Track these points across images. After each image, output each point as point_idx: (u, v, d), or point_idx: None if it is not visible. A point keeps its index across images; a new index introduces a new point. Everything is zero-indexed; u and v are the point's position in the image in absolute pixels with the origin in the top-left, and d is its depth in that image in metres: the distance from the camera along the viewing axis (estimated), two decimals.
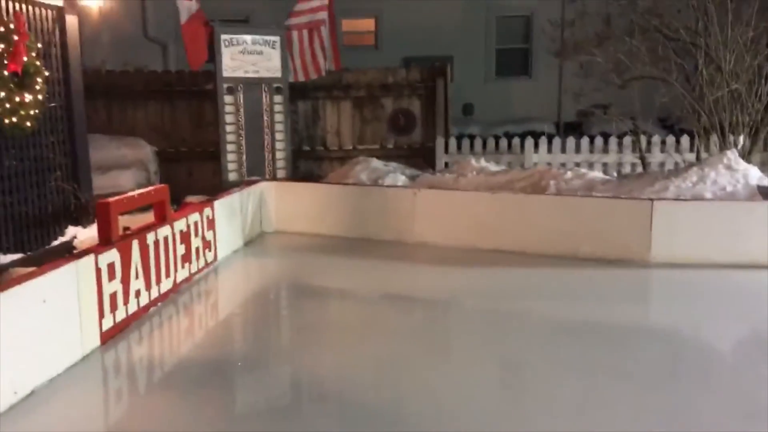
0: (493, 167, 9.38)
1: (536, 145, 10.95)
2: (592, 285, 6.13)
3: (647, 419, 3.56)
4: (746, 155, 8.53)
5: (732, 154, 8.01)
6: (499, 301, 5.73)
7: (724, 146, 8.73)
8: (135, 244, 5.04)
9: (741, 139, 8.82)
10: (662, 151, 10.57)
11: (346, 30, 17.46)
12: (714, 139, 8.98)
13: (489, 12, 17.78)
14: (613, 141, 10.80)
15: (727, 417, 3.58)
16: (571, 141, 10.90)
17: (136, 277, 5.01)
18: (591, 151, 10.85)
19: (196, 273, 6.13)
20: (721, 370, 4.33)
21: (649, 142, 10.49)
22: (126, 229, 5.37)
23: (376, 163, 10.07)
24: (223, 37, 9.57)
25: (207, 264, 6.40)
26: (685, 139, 10.37)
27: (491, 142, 11.15)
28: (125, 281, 4.85)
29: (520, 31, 18.20)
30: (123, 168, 10.09)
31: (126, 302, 4.85)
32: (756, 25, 8.50)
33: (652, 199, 6.81)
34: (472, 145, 11.14)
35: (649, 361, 4.42)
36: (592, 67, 9.35)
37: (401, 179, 9.37)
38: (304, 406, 3.99)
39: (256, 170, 9.70)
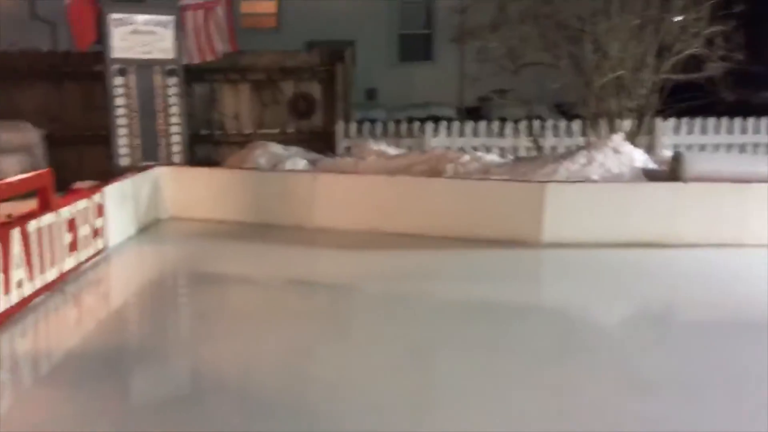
0: (392, 151, 9.44)
1: (436, 129, 11.09)
2: (488, 266, 6.29)
3: (539, 396, 3.68)
4: (631, 139, 8.94)
5: (618, 138, 8.38)
6: (399, 284, 5.79)
7: (611, 130, 9.11)
8: (16, 232, 4.78)
9: (626, 123, 9.24)
10: (555, 135, 10.92)
11: (246, 12, 17.11)
12: (603, 123, 9.37)
13: None
14: (509, 125, 11.06)
15: (613, 391, 3.75)
16: (469, 125, 11.10)
17: (18, 267, 4.76)
18: (488, 135, 11.07)
19: (85, 261, 5.89)
20: (608, 346, 4.51)
21: (542, 127, 10.82)
22: (9, 216, 5.10)
23: (276, 147, 9.91)
24: (112, 16, 9.16)
25: (97, 252, 6.15)
26: (576, 124, 10.75)
27: (393, 127, 11.21)
28: (5, 271, 4.59)
29: (423, 17, 18.36)
30: (7, 153, 9.54)
31: (7, 292, 4.60)
32: (641, 14, 8.89)
33: (543, 182, 7.04)
34: (373, 130, 11.17)
35: (541, 339, 4.58)
36: (487, 52, 9.53)
37: (301, 164, 9.29)
38: (203, 397, 3.80)
39: (150, 155, 9.37)
